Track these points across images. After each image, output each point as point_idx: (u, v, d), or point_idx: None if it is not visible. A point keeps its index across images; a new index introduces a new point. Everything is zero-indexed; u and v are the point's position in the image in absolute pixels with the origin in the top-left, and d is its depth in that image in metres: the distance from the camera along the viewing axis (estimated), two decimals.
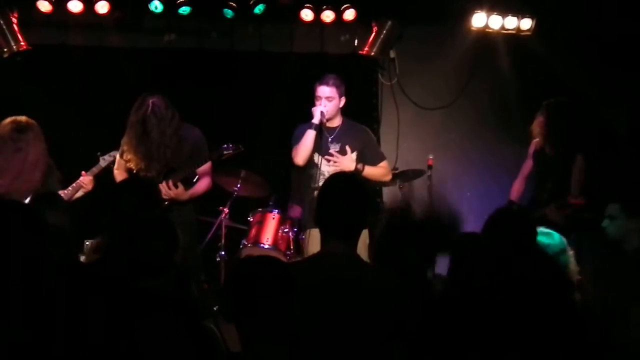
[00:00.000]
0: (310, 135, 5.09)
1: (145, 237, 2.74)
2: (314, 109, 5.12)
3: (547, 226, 3.47)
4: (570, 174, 5.34)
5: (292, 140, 5.25)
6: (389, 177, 5.46)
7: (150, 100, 4.87)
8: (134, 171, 5.01)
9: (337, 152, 5.16)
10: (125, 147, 5.01)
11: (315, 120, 5.08)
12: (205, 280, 5.50)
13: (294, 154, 5.18)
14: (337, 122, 5.22)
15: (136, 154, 4.94)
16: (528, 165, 5.67)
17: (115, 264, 2.94)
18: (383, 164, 5.32)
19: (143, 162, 4.95)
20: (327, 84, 5.12)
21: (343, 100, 5.20)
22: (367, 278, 2.79)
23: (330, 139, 5.16)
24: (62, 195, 5.13)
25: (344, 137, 5.19)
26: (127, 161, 5.03)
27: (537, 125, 5.47)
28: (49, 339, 2.30)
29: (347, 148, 5.14)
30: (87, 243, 4.88)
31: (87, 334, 2.55)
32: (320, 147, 5.13)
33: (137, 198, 3.38)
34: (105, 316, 2.62)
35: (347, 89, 5.23)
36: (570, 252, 3.39)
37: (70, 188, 5.09)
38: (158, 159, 4.92)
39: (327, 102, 5.10)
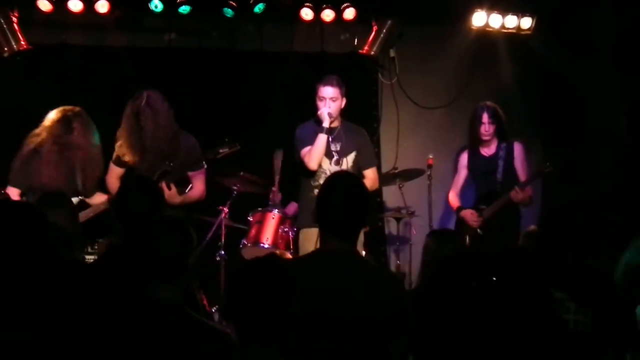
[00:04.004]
0: (322, 140, 5.09)
1: (159, 238, 2.63)
2: (320, 112, 5.08)
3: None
4: (513, 163, 5.69)
5: (296, 141, 5.25)
6: (375, 187, 5.45)
7: (146, 93, 4.92)
8: (128, 163, 5.04)
9: (337, 151, 5.17)
10: (119, 141, 5.04)
11: (325, 124, 5.07)
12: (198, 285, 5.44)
13: (306, 159, 5.14)
14: (337, 122, 5.23)
15: (130, 147, 4.98)
16: (462, 175, 5.94)
17: (125, 266, 2.89)
18: (371, 170, 5.29)
19: (137, 155, 4.99)
20: (332, 85, 5.10)
21: (344, 101, 5.20)
22: (367, 275, 2.80)
23: (331, 139, 5.17)
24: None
25: (344, 137, 5.22)
26: (121, 155, 5.05)
27: (486, 129, 5.70)
28: (54, 337, 2.29)
29: (344, 159, 5.18)
30: (100, 241, 4.94)
31: (91, 334, 2.54)
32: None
33: (147, 198, 3.37)
34: (109, 317, 2.59)
35: (347, 89, 5.23)
36: None
37: None
38: (153, 151, 4.94)
39: (332, 102, 5.09)
